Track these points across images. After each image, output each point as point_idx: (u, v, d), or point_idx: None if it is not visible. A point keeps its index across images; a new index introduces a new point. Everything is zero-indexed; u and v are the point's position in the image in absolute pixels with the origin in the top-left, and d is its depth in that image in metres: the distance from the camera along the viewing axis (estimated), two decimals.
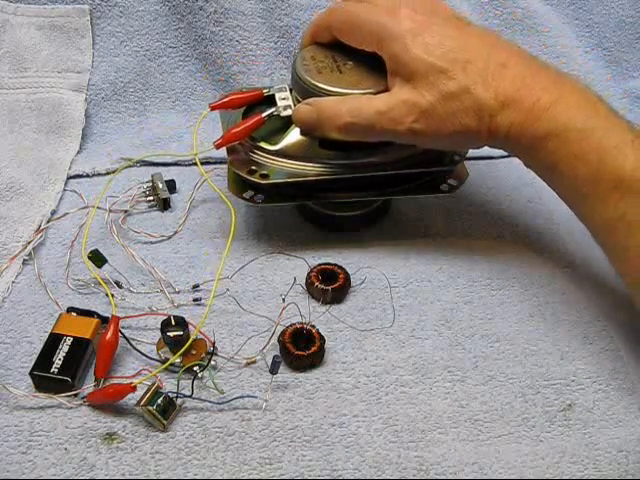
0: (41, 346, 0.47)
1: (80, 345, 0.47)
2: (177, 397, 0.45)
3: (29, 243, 0.56)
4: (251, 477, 0.42)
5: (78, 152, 0.66)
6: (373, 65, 0.52)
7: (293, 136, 0.54)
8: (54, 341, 0.47)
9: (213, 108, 0.56)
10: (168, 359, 0.47)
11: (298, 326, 0.49)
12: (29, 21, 0.68)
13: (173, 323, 0.48)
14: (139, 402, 0.44)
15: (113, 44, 0.69)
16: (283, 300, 0.51)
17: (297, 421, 0.45)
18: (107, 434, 0.44)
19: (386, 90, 0.51)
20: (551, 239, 0.58)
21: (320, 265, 0.54)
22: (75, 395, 0.45)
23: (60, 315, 0.49)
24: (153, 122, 0.69)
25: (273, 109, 0.54)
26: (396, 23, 0.49)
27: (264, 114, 0.54)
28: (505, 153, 0.52)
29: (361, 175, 0.53)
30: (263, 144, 0.54)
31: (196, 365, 0.46)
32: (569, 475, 0.42)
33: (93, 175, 0.64)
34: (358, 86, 0.52)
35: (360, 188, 0.55)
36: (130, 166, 0.63)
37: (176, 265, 0.55)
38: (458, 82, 0.48)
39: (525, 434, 0.44)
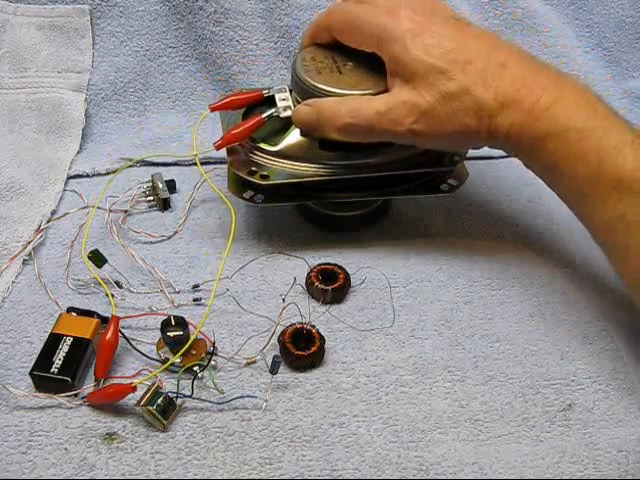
0: (41, 346, 0.47)
1: (80, 345, 0.47)
2: (177, 397, 0.45)
3: (29, 243, 0.56)
4: (251, 477, 0.42)
5: (78, 152, 0.66)
6: (373, 66, 0.52)
7: (293, 137, 0.54)
8: (54, 341, 0.47)
9: (213, 109, 0.56)
10: (168, 359, 0.47)
11: (298, 326, 0.49)
12: (29, 21, 0.68)
13: (173, 323, 0.48)
14: (139, 402, 0.44)
15: (113, 44, 0.69)
16: (283, 300, 0.51)
17: (297, 421, 0.45)
18: (107, 434, 0.44)
19: (386, 91, 0.51)
20: (551, 239, 0.58)
21: (320, 265, 0.54)
22: (75, 395, 0.46)
23: (60, 315, 0.49)
24: (153, 122, 0.69)
25: (273, 110, 0.54)
26: (396, 24, 0.49)
27: (264, 115, 0.54)
28: (505, 153, 0.52)
29: (361, 176, 0.54)
30: (263, 145, 0.54)
31: (196, 365, 0.46)
32: (569, 475, 0.42)
33: (93, 175, 0.64)
34: (358, 87, 0.52)
35: (360, 188, 0.55)
36: (130, 166, 0.63)
37: (176, 265, 0.55)
38: (458, 83, 0.48)
39: (525, 434, 0.44)
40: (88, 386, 0.46)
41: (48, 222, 0.58)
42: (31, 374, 0.46)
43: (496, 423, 0.45)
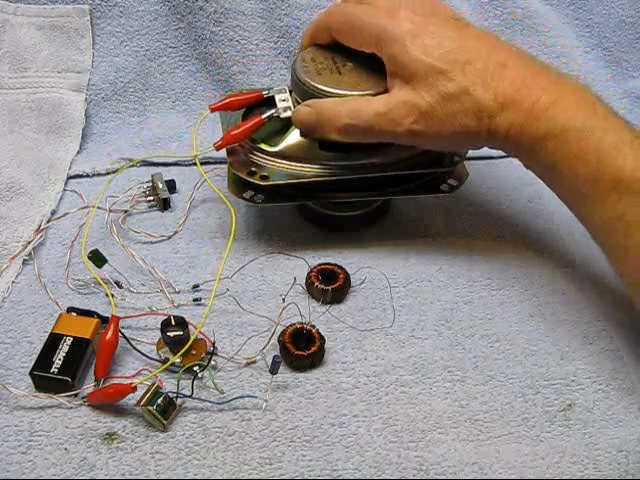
0: (41, 346, 0.47)
1: (80, 345, 0.47)
2: (177, 397, 0.45)
3: (29, 243, 0.56)
4: (251, 477, 0.42)
5: (78, 152, 0.66)
6: (372, 66, 0.52)
7: (293, 137, 0.54)
8: (54, 341, 0.47)
9: (213, 110, 0.56)
10: (168, 359, 0.47)
11: (298, 326, 0.49)
12: (29, 21, 0.68)
13: (173, 323, 0.48)
14: (139, 402, 0.44)
15: (113, 44, 0.69)
16: (283, 300, 0.51)
17: (297, 421, 0.45)
18: (107, 434, 0.44)
19: (385, 91, 0.51)
20: (551, 239, 0.58)
21: (320, 265, 0.54)
22: (75, 395, 0.46)
23: (60, 315, 0.49)
24: (153, 122, 0.69)
25: (273, 110, 0.54)
26: (395, 25, 0.49)
27: (264, 115, 0.54)
28: (505, 153, 0.52)
29: (361, 176, 0.54)
30: (263, 145, 0.54)
31: (196, 365, 0.46)
32: (569, 475, 0.42)
33: (93, 175, 0.64)
34: (357, 87, 0.52)
35: (360, 188, 0.55)
36: (130, 166, 0.63)
37: (176, 265, 0.55)
38: (457, 83, 0.48)
39: (525, 434, 0.44)
40: (88, 386, 0.46)
41: (48, 222, 0.58)
42: (31, 374, 0.46)
43: (496, 423, 0.45)
